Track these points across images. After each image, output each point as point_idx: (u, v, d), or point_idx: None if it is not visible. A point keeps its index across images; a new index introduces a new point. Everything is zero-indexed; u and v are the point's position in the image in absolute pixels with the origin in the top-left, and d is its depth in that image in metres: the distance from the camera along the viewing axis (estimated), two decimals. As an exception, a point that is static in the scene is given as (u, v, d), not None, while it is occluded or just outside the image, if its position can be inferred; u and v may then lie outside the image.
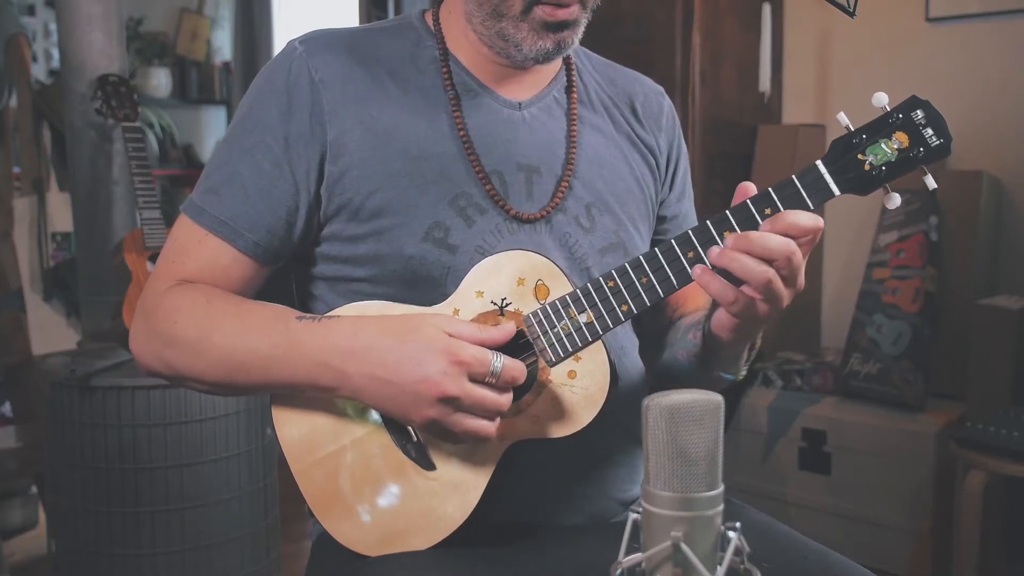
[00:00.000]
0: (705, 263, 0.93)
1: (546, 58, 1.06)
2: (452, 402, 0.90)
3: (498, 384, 0.91)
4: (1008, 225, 2.76)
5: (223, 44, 4.99)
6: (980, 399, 2.46)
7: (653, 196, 1.19)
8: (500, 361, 0.91)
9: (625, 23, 2.94)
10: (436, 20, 1.12)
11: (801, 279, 0.93)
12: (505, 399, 0.92)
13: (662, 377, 1.18)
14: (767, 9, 3.05)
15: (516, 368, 0.92)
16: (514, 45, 1.05)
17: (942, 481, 2.46)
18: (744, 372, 1.08)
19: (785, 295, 0.92)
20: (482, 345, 0.92)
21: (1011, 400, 2.40)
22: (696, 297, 1.20)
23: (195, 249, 1.05)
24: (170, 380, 1.06)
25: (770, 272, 0.89)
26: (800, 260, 0.91)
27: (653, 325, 1.22)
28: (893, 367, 2.62)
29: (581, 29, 1.06)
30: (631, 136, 1.18)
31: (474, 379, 0.91)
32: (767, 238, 0.89)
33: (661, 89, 1.25)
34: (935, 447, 2.46)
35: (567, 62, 1.17)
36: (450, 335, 0.92)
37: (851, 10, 1.06)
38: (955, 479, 2.31)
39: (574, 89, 1.16)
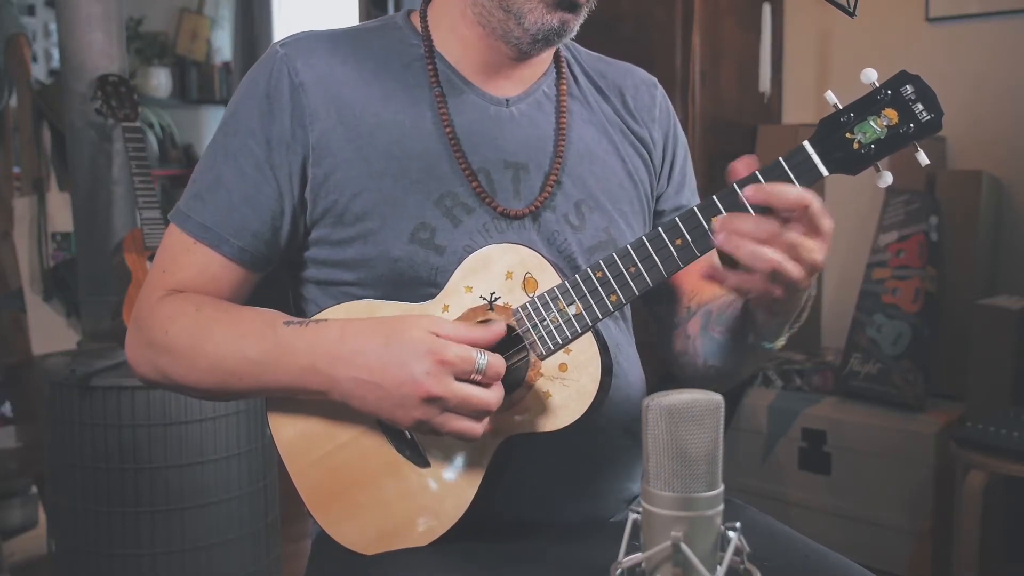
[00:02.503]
0: (695, 254, 0.92)
1: (545, 38, 1.04)
2: (438, 402, 0.90)
3: (484, 380, 0.91)
4: (1008, 225, 2.76)
5: (223, 44, 4.99)
6: (980, 399, 2.45)
7: (648, 191, 1.18)
8: (485, 358, 0.90)
9: (625, 23, 2.94)
10: (423, 18, 1.11)
11: (814, 257, 0.88)
12: (494, 396, 0.91)
13: (696, 362, 1.14)
14: (767, 9, 3.05)
15: (499, 364, 0.92)
16: (516, 17, 1.03)
17: (942, 481, 2.46)
18: (782, 342, 1.04)
19: (798, 276, 0.88)
20: (470, 344, 0.92)
21: (1011, 400, 2.40)
22: (712, 283, 1.18)
23: (184, 258, 1.05)
24: (166, 388, 1.07)
25: (775, 259, 0.86)
26: (793, 238, 0.87)
27: (671, 318, 1.20)
28: (893, 367, 2.62)
29: (581, 20, 1.05)
30: (623, 129, 1.16)
31: (460, 378, 0.90)
32: (789, 189, 0.86)
33: (653, 80, 1.23)
34: (935, 447, 2.46)
35: (556, 55, 1.16)
36: (437, 335, 0.91)
37: (851, 10, 1.05)
38: (955, 479, 2.31)
39: (564, 82, 1.14)
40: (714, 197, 0.92)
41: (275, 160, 1.03)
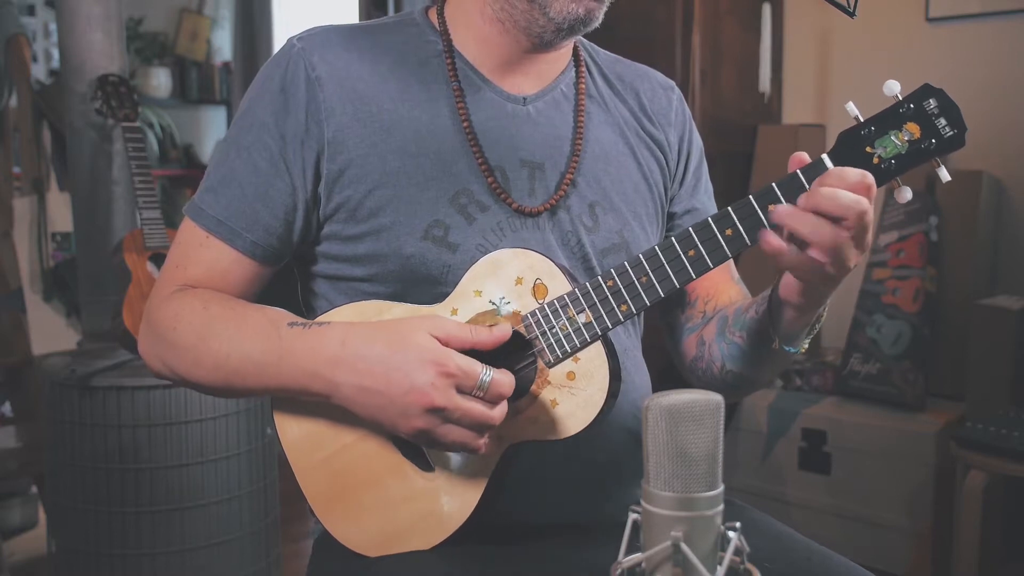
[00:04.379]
0: (708, 265, 0.91)
1: (570, 28, 1.03)
2: (440, 413, 0.89)
3: (486, 398, 0.90)
4: (1008, 225, 2.76)
5: (223, 44, 4.99)
6: (980, 399, 2.46)
7: (662, 193, 1.17)
8: (489, 375, 0.89)
9: (625, 23, 2.93)
10: (440, 15, 1.10)
11: (869, 238, 0.88)
12: (496, 413, 0.90)
13: (712, 368, 1.12)
14: (767, 9, 3.05)
15: (504, 383, 0.90)
16: (541, 7, 1.02)
17: (942, 481, 2.46)
18: (805, 345, 1.03)
19: (853, 255, 0.88)
20: (474, 347, 0.92)
21: (1011, 400, 2.40)
22: (726, 290, 1.16)
23: (197, 253, 1.05)
24: (175, 383, 1.07)
25: (842, 235, 0.85)
26: (871, 218, 0.86)
27: (685, 323, 1.19)
28: (893, 367, 2.62)
29: (605, 8, 1.04)
30: (639, 132, 1.16)
31: (462, 391, 0.89)
32: (840, 195, 0.84)
33: (671, 83, 1.23)
34: (935, 447, 2.46)
35: (576, 55, 1.15)
36: (440, 340, 0.91)
37: (851, 10, 1.05)
38: (955, 479, 2.31)
39: (583, 82, 1.13)
40: (729, 209, 0.90)
41: (289, 155, 1.03)
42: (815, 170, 0.88)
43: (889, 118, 0.89)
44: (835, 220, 0.85)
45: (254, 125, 1.04)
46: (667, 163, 1.18)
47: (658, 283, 0.92)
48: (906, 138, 0.88)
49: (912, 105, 0.88)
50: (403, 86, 1.06)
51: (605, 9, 1.04)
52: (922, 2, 2.85)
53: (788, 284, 0.94)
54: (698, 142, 1.23)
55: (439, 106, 1.06)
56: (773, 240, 0.87)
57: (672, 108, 1.20)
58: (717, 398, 0.74)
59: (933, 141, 0.88)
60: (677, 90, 1.23)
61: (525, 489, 1.04)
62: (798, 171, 0.89)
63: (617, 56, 1.22)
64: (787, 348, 1.01)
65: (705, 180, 1.24)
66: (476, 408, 0.89)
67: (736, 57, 3.02)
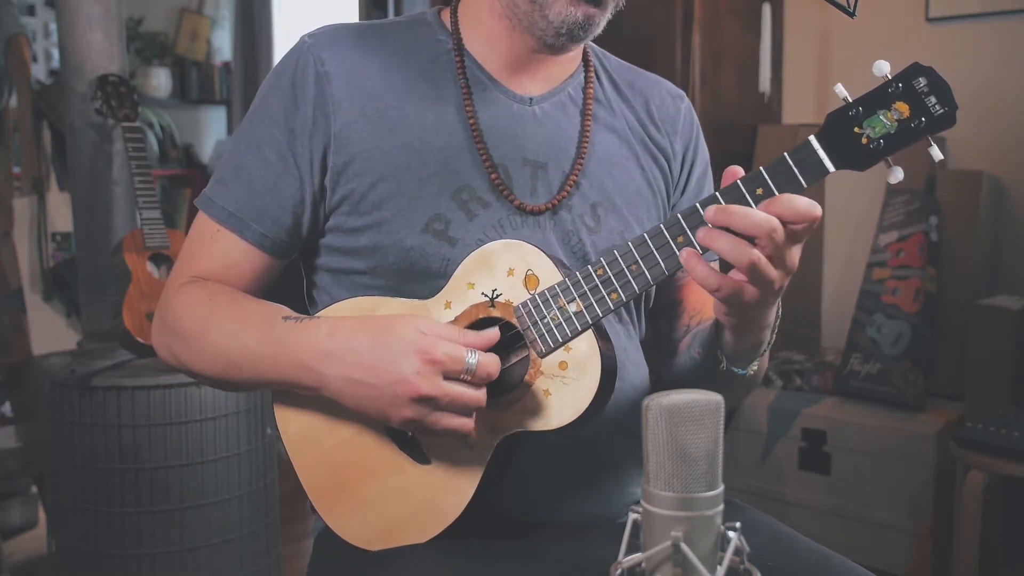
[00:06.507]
0: (695, 248, 0.91)
1: (569, 32, 1.04)
2: (428, 401, 0.90)
3: (474, 381, 0.91)
4: (1008, 225, 2.76)
5: (223, 44, 4.99)
6: (980, 399, 2.46)
7: (665, 200, 1.18)
8: (475, 357, 0.91)
9: (625, 23, 2.92)
10: (453, 15, 1.12)
11: (793, 260, 0.89)
12: (482, 395, 0.92)
13: (678, 380, 1.13)
14: (767, 9, 3.05)
15: (491, 364, 0.92)
16: (540, 9, 1.03)
17: (942, 481, 2.46)
18: (754, 368, 1.03)
19: (775, 278, 0.88)
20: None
21: (1011, 400, 2.40)
22: (712, 303, 1.18)
23: (208, 245, 1.08)
24: (181, 372, 1.09)
25: (753, 254, 0.86)
26: (782, 238, 0.86)
27: (671, 334, 1.20)
28: (893, 367, 2.62)
29: (607, 17, 1.05)
30: (645, 139, 1.17)
31: (449, 377, 0.91)
32: (751, 213, 0.85)
33: (681, 93, 1.24)
34: (935, 447, 2.46)
35: (585, 60, 1.17)
36: (426, 335, 0.92)
37: (851, 10, 1.05)
38: (955, 479, 2.31)
39: (591, 86, 1.15)
40: (717, 193, 0.90)
41: (297, 149, 1.05)
42: (803, 151, 0.88)
43: (877, 98, 0.88)
44: (749, 239, 0.86)
45: (265, 119, 1.07)
46: (670, 170, 1.19)
47: (647, 270, 0.92)
48: (895, 117, 0.87)
49: (901, 84, 0.88)
50: (411, 84, 1.08)
51: (608, 16, 1.05)
52: (922, 2, 2.85)
53: (716, 307, 0.96)
54: (704, 153, 1.23)
55: (446, 103, 1.07)
56: (688, 260, 0.88)
57: (680, 117, 1.21)
58: (717, 398, 0.74)
59: (923, 119, 0.87)
60: (687, 100, 1.24)
61: (524, 488, 1.04)
62: (785, 154, 0.89)
63: (630, 64, 1.24)
64: (734, 369, 1.02)
65: (708, 191, 1.23)
66: (465, 393, 0.91)
67: (736, 57, 3.02)
